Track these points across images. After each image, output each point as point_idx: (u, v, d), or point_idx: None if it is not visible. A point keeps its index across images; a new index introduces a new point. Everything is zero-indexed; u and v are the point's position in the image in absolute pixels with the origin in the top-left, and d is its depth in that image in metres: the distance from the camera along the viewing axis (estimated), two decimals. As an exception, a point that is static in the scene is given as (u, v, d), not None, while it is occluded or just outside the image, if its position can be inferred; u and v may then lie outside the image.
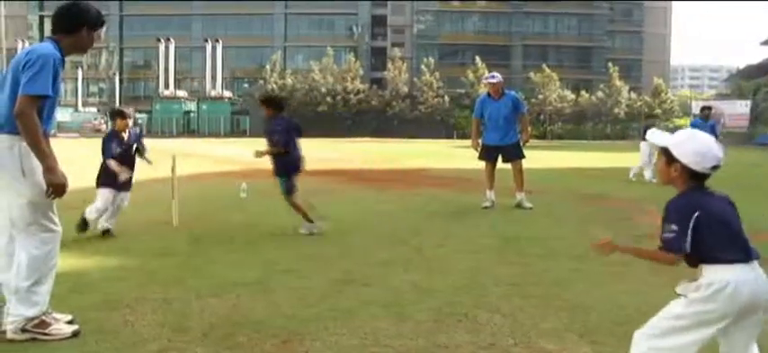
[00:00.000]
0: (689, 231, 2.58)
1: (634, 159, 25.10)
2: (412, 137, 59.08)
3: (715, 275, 2.56)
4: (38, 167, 3.69)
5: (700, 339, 2.60)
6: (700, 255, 2.60)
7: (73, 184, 3.91)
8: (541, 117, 68.36)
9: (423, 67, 71.87)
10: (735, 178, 16.83)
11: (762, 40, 74.78)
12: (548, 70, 71.78)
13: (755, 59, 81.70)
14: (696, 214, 2.59)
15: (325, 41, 75.70)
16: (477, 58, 70.52)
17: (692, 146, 2.70)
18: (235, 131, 66.49)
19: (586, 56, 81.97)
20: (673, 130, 14.84)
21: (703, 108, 17.34)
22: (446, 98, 70.21)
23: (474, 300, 4.66)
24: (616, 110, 72.24)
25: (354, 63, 72.70)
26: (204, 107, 68.70)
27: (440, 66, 73.35)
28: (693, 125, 16.03)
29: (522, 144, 10.11)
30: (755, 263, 2.60)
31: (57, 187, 3.68)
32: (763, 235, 7.77)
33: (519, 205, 9.81)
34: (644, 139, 15.15)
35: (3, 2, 75.01)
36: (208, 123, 67.00)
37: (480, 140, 10.30)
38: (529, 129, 10.59)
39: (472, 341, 3.81)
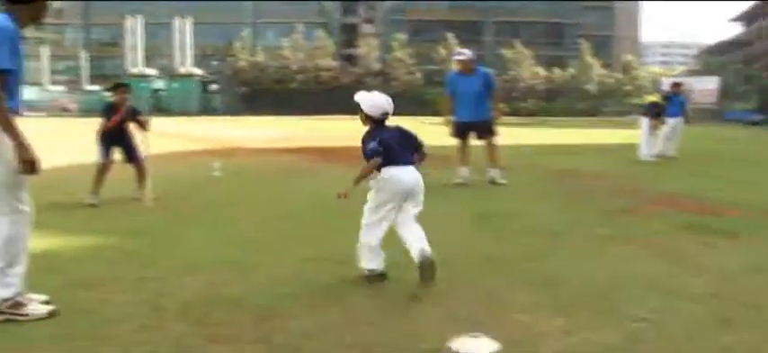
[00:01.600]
0: (378, 146, 4.64)
1: (605, 136, 25.36)
2: (385, 114, 59.02)
3: (386, 172, 4.68)
4: (3, 145, 3.62)
5: (384, 213, 4.77)
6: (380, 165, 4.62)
7: (44, 163, 3.84)
8: (514, 94, 68.57)
9: (394, 43, 71.62)
10: (708, 154, 17.13)
11: (730, 18, 75.60)
12: (519, 47, 71.95)
13: (725, 36, 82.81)
14: (378, 139, 4.69)
15: (296, 18, 74.98)
16: (450, 35, 70.46)
17: (369, 103, 4.89)
18: (205, 109, 65.85)
19: (558, 32, 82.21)
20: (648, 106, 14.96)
21: (673, 84, 17.56)
22: (418, 75, 70.13)
23: (449, 276, 4.70)
24: (588, 86, 72.70)
25: (325, 40, 72.27)
26: (174, 85, 67.85)
27: (411, 42, 73.08)
28: (665, 100, 16.24)
29: (494, 120, 10.16)
30: (410, 167, 4.81)
31: (29, 164, 3.62)
32: (732, 209, 7.93)
33: (492, 181, 9.88)
34: (645, 115, 15.35)
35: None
36: (178, 101, 66.23)
37: (453, 117, 10.33)
38: (501, 105, 10.64)
39: (447, 316, 3.86)
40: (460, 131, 10.18)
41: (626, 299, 4.19)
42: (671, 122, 15.62)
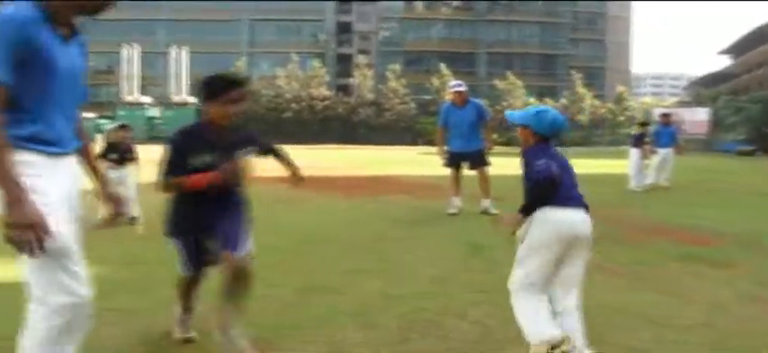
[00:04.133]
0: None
1: (595, 166, 25.37)
2: (378, 144, 59.15)
3: None
4: (47, 193, 2.48)
5: None
6: None
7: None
8: (505, 124, 68.73)
9: (388, 73, 71.93)
10: (699, 184, 17.18)
11: (719, 50, 76.31)
12: (512, 77, 72.36)
13: (715, 68, 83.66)
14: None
15: (291, 48, 75.36)
16: (443, 66, 70.89)
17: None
18: (199, 138, 65.81)
19: (550, 63, 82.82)
20: (638, 136, 15.01)
21: (663, 115, 17.68)
22: (412, 105, 70.41)
23: (441, 307, 4.69)
24: (579, 117, 73.05)
25: (320, 69, 72.54)
26: (169, 113, 67.89)
27: (405, 73, 73.43)
28: (656, 132, 16.32)
29: (486, 151, 10.20)
30: None
31: (17, 230, 2.30)
32: (724, 239, 7.95)
33: (485, 212, 9.89)
34: (634, 145, 15.44)
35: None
36: (172, 129, 66.07)
37: (446, 147, 10.38)
38: (493, 136, 10.70)
39: (440, 348, 3.84)
40: (453, 160, 10.22)
41: (615, 329, 4.19)
42: (662, 153, 15.72)
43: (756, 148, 50.11)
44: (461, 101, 10.15)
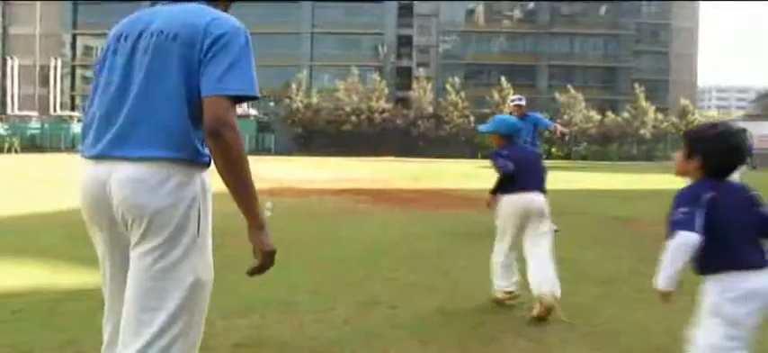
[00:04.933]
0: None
1: (660, 181, 24.82)
2: (436, 156, 59.08)
3: None
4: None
5: None
6: None
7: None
8: (566, 138, 67.92)
9: (448, 86, 71.79)
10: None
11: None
12: (573, 91, 71.40)
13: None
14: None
15: (351, 61, 75.91)
16: (503, 79, 70.43)
17: None
18: (259, 149, 66.82)
19: (612, 76, 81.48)
20: None
21: (735, 130, 17.15)
22: (471, 118, 70.10)
23: (500, 323, 4.64)
24: (642, 131, 71.65)
25: (380, 82, 72.80)
26: (230, 125, 69.19)
27: (465, 86, 73.18)
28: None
29: (562, 138, 10.51)
30: None
31: (269, 258, 2.34)
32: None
33: (545, 227, 9.80)
34: None
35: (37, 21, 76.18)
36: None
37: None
38: (559, 128, 10.92)
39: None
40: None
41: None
42: (731, 169, 15.27)
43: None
44: (520, 115, 10.13)
